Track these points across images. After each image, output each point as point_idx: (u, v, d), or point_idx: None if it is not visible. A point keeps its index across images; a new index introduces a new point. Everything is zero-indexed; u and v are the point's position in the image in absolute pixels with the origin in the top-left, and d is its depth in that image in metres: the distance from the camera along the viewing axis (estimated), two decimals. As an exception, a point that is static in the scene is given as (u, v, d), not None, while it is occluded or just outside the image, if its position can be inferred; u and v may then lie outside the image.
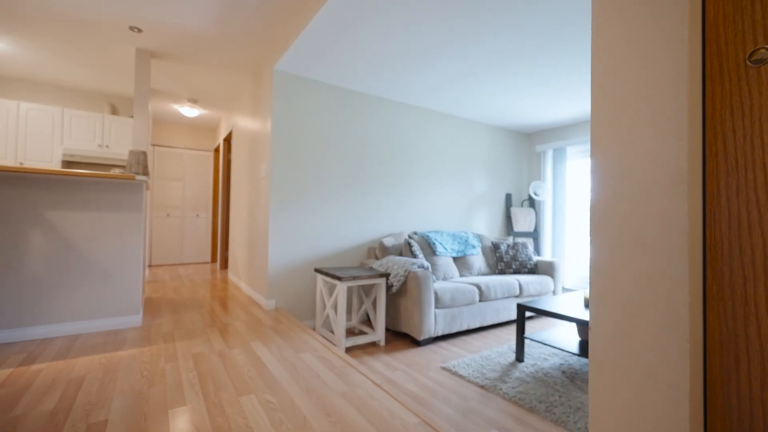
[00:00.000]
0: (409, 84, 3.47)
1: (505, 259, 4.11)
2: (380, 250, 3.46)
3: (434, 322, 2.94)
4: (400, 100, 3.94)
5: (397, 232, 3.85)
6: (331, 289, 3.42)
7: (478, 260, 4.05)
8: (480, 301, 3.32)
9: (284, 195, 3.22)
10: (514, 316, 3.57)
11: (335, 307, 3.07)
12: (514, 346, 2.92)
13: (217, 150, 6.26)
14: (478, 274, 3.99)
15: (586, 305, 2.62)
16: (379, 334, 2.91)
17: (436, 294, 2.97)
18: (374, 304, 3.32)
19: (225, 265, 5.64)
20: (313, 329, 3.31)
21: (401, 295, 3.00)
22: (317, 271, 3.02)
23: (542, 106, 4.04)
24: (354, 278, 2.73)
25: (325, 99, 3.44)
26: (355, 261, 3.62)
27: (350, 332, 3.17)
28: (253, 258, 3.67)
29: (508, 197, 4.97)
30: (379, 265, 3.18)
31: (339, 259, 3.51)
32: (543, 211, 4.91)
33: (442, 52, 2.83)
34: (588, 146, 4.47)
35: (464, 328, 3.17)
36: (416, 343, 2.95)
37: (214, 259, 6.40)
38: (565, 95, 3.71)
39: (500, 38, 2.63)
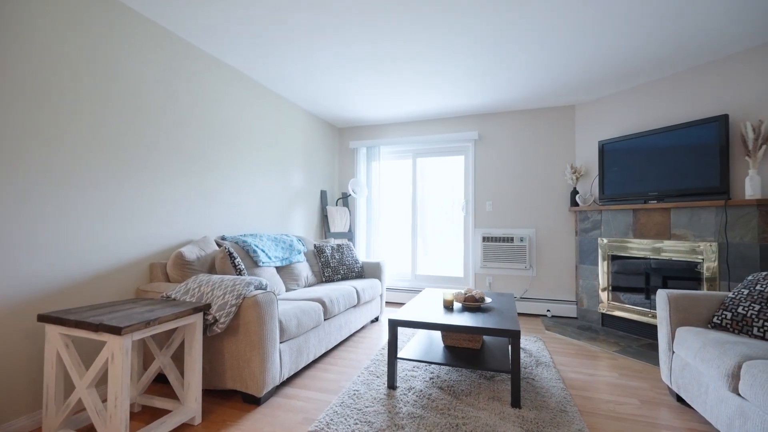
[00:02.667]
0: (215, 22, 2.38)
1: (332, 264, 3.61)
2: (177, 266, 2.20)
3: (279, 363, 2.06)
4: (204, 48, 2.72)
5: (198, 238, 2.62)
6: (93, 352, 1.90)
7: (304, 268, 3.35)
8: (325, 319, 2.66)
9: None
10: (354, 329, 3.11)
11: (107, 383, 1.65)
12: (372, 368, 2.44)
13: None
14: (306, 285, 3.30)
15: (449, 308, 2.46)
16: (190, 407, 1.76)
17: (280, 323, 2.10)
18: (177, 358, 2.06)
19: None
20: (34, 433, 1.70)
21: (228, 334, 1.95)
22: (47, 320, 1.54)
23: (359, 100, 3.79)
24: (148, 324, 1.51)
25: (63, 7, 1.86)
26: (125, 289, 2.18)
27: (133, 418, 1.80)
28: None
29: (324, 195, 4.50)
30: (185, 291, 1.97)
31: (90, 289, 2.00)
32: (357, 211, 4.73)
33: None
34: (403, 147, 4.62)
35: (311, 359, 2.43)
36: (254, 401, 1.98)
37: None
38: (385, 93, 3.58)
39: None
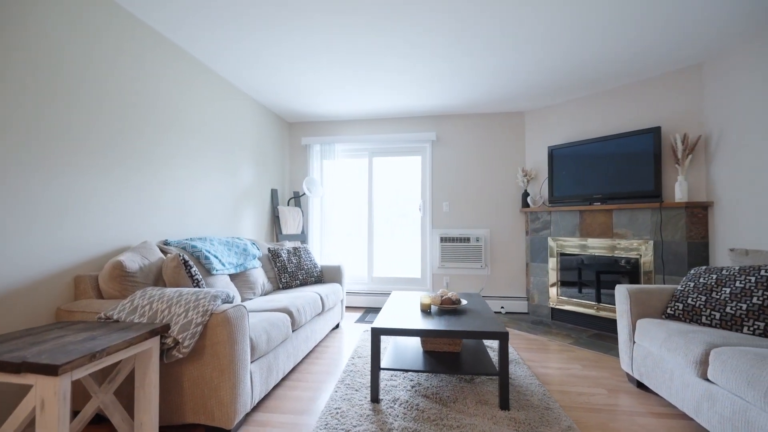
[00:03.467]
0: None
1: (289, 269, 3.33)
2: (115, 279, 1.80)
3: (251, 387, 1.80)
4: (142, 18, 2.30)
5: (136, 244, 2.20)
6: (6, 398, 1.44)
7: (260, 275, 3.03)
8: (293, 331, 2.41)
9: None
10: (318, 339, 2.89)
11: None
12: (347, 381, 2.27)
13: None
14: (263, 293, 2.99)
15: (426, 311, 2.39)
16: (145, 453, 1.44)
17: (251, 340, 1.83)
18: (121, 393, 1.67)
19: None
20: None
21: (189, 359, 1.63)
22: (-61, 361, 1.12)
23: (313, 93, 3.57)
24: (93, 357, 1.18)
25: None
26: (41, 310, 1.72)
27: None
28: None
29: (274, 194, 4.16)
30: (132, 309, 1.61)
31: (-4, 312, 1.54)
32: (310, 212, 4.46)
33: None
34: (360, 145, 4.46)
35: (280, 377, 2.18)
36: (222, 435, 1.69)
37: None
38: (342, 88, 3.42)
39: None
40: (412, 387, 2.19)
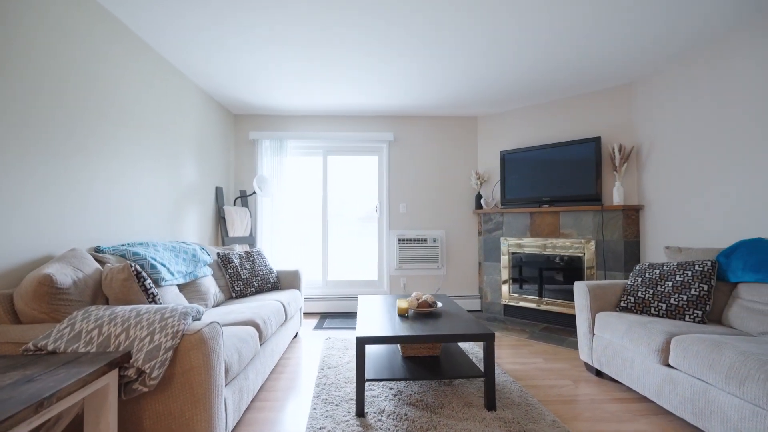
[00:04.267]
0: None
1: (243, 276, 3.02)
2: (41, 297, 1.42)
3: (225, 416, 1.55)
4: (67, -26, 1.87)
5: (63, 252, 1.78)
6: None
7: (212, 284, 2.70)
8: (261, 345, 2.17)
9: None
10: (282, 351, 2.64)
11: None
12: (323, 396, 2.10)
13: None
14: (216, 304, 2.66)
15: (404, 315, 2.32)
16: None
17: (224, 362, 1.58)
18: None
19: None
20: None
21: (155, 392, 1.34)
22: None
23: (264, 84, 3.31)
24: (40, 407, 0.89)
25: None
26: (-67, 343, 1.29)
27: None
28: None
29: (219, 192, 3.76)
30: (73, 336, 1.27)
31: None
32: (260, 212, 4.12)
33: None
34: (314, 143, 4.22)
35: (251, 398, 1.93)
36: (194, 477, 1.42)
37: None
38: (297, 79, 3.22)
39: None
40: (394, 396, 2.10)
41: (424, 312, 2.39)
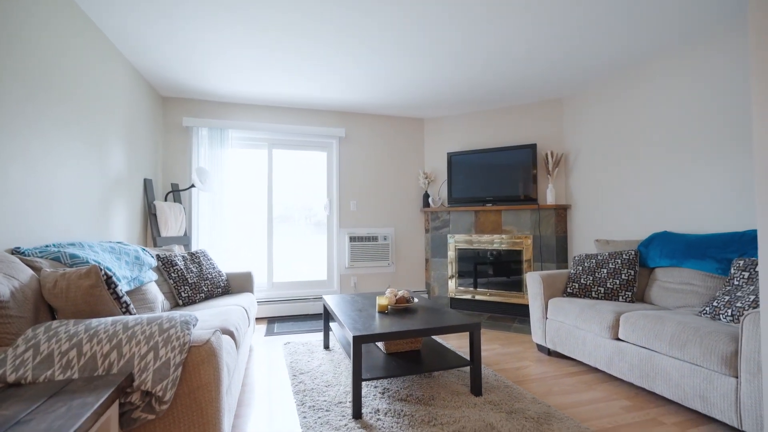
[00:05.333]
0: None
1: (190, 281, 2.66)
2: None
3: (224, 437, 1.35)
4: None
5: (-24, 255, 1.35)
6: None
7: (158, 290, 2.32)
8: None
9: None
10: (245, 360, 2.39)
11: None
12: (308, 403, 1.97)
13: None
14: (164, 311, 2.29)
15: (384, 312, 2.30)
16: None
17: (220, 375, 1.37)
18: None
19: None
20: None
21: (160, 417, 1.10)
22: None
23: (203, 63, 3.00)
24: (62, 452, 0.67)
25: None
26: None
27: None
28: None
29: (148, 185, 3.24)
30: (43, 360, 0.97)
31: None
32: (196, 209, 3.67)
33: None
34: (258, 134, 3.90)
35: (233, 413, 1.71)
36: None
37: None
38: (242, 62, 2.99)
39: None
40: (383, 394, 2.07)
41: (402, 307, 2.40)
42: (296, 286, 4.07)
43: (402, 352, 2.27)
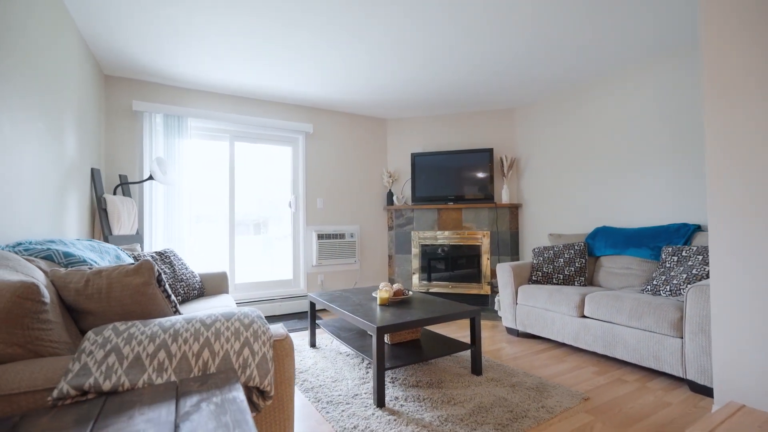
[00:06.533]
0: None
1: (166, 282, 2.40)
2: (17, 318, 0.88)
3: (281, 435, 1.30)
4: None
5: (-34, 254, 1.10)
6: None
7: (137, 293, 2.06)
8: (251, 357, 1.83)
9: None
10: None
11: None
12: (321, 398, 1.96)
13: None
14: (146, 320, 2.05)
15: (385, 305, 2.37)
16: None
17: (275, 373, 1.32)
18: None
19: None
20: None
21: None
22: None
23: (158, 38, 2.77)
24: None
25: None
26: None
27: None
28: None
29: (97, 176, 2.82)
30: (128, 366, 0.86)
31: None
32: (150, 204, 3.29)
33: None
34: (219, 124, 3.62)
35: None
36: None
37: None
38: (206, 41, 2.83)
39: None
40: (392, 382, 2.15)
41: (400, 300, 2.50)
42: (261, 286, 3.87)
43: (405, 342, 2.37)
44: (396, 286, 2.55)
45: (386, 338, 2.36)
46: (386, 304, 2.40)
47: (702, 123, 2.69)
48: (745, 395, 1.57)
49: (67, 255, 1.43)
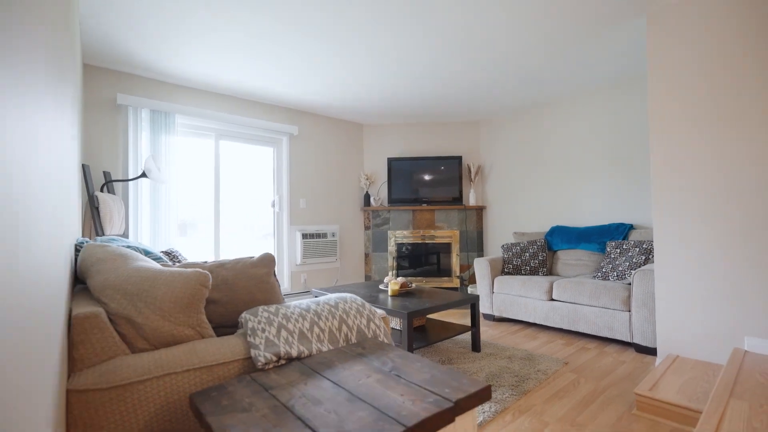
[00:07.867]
0: None
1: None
2: (194, 304, 1.02)
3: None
4: None
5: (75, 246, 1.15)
6: None
7: (168, 291, 2.08)
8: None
9: None
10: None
11: None
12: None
13: None
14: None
15: (395, 296, 2.65)
16: None
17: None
18: None
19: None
20: None
21: (356, 383, 1.25)
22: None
23: (147, 27, 2.79)
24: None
25: None
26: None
27: None
28: None
29: (87, 172, 2.66)
30: (299, 338, 1.04)
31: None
32: (136, 203, 3.15)
33: None
34: (205, 122, 3.54)
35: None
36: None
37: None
38: (198, 34, 2.90)
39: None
40: (410, 363, 2.43)
41: (406, 291, 2.79)
42: (245, 286, 3.86)
43: (416, 327, 2.66)
44: (401, 279, 2.84)
45: (397, 325, 2.64)
46: (396, 295, 2.68)
47: (635, 141, 3.41)
48: (681, 349, 2.16)
49: (147, 252, 1.48)
